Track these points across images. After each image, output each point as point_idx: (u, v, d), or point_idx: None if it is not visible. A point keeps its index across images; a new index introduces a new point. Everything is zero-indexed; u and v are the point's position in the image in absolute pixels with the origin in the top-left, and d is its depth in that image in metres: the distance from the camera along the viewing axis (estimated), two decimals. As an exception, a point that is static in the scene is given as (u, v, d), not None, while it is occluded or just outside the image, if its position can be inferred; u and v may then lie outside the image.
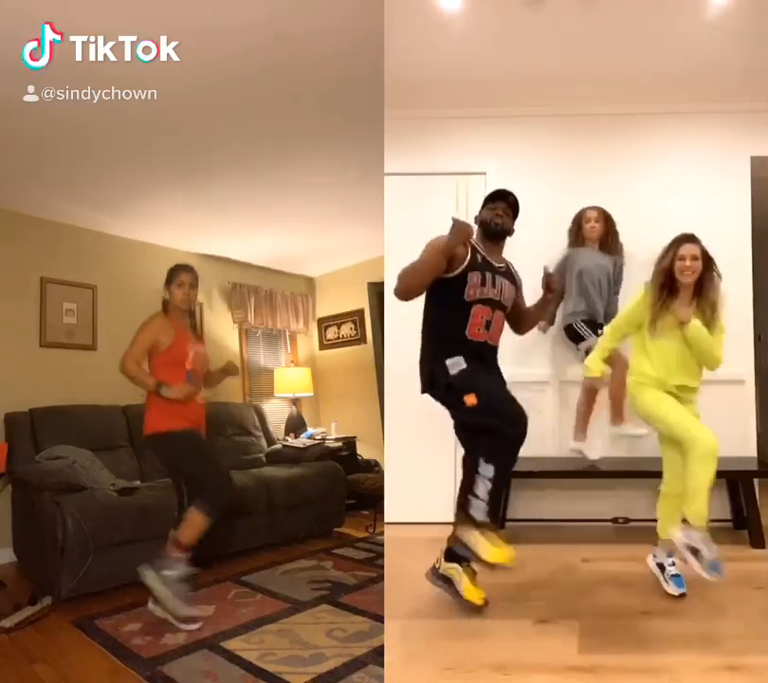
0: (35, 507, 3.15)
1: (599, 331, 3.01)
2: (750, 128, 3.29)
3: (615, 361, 2.94)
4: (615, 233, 3.23)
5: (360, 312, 5.81)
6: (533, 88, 3.19)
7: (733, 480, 3.13)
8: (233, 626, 2.59)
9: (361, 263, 5.77)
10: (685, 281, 2.38)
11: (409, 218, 3.32)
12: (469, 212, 3.34)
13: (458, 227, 2.20)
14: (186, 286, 2.77)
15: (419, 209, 3.39)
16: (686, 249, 2.36)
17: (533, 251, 3.28)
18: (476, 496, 2.20)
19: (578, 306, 3.18)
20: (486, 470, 2.19)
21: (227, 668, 2.20)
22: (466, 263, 2.29)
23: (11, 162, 3.40)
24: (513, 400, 2.29)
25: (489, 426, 2.20)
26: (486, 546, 2.15)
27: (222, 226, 4.68)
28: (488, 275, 2.32)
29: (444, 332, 2.33)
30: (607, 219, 3.21)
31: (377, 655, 2.22)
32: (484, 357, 2.34)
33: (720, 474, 3.02)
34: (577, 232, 3.25)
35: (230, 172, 3.69)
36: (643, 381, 2.44)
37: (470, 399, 2.20)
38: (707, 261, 2.39)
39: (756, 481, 3.06)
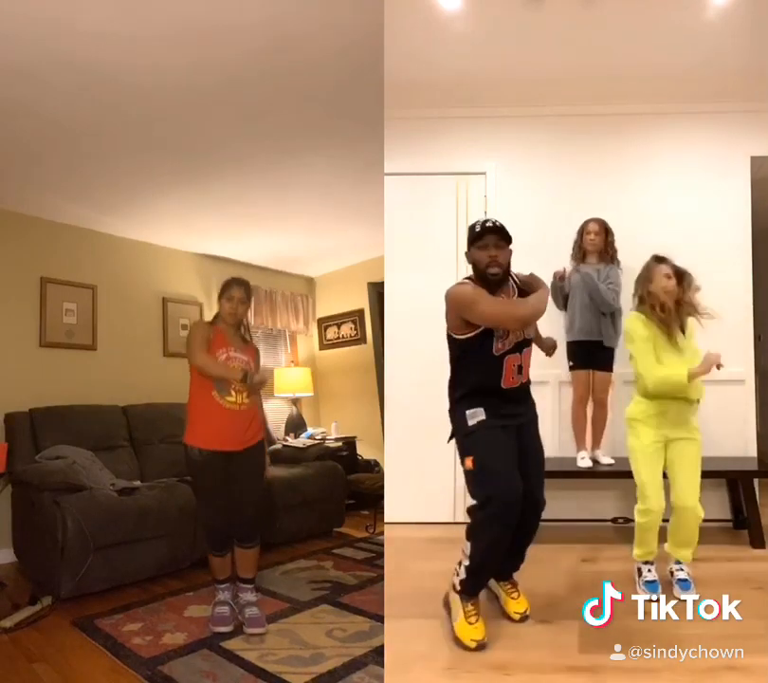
0: (35, 507, 3.15)
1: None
2: (750, 128, 3.28)
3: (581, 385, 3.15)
4: (612, 244, 3.19)
5: (360, 312, 5.81)
6: (533, 88, 3.19)
7: (733, 480, 3.13)
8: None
9: (361, 263, 5.77)
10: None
11: (409, 218, 3.33)
12: (469, 211, 3.36)
13: None
14: (235, 300, 2.68)
15: (419, 209, 3.39)
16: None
17: (533, 252, 3.28)
18: (458, 566, 2.15)
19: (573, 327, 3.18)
20: (466, 545, 2.10)
21: (227, 668, 2.20)
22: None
23: (11, 162, 3.41)
24: (509, 473, 2.06)
25: (476, 498, 2.07)
26: (460, 620, 2.08)
27: (222, 226, 4.68)
28: None
29: (474, 385, 2.16)
30: (607, 231, 3.20)
31: (377, 655, 2.22)
32: (519, 396, 2.20)
33: (720, 474, 3.06)
34: (580, 245, 3.24)
35: (230, 172, 3.69)
36: (635, 417, 2.43)
37: (468, 463, 2.10)
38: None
39: (756, 481, 3.06)
